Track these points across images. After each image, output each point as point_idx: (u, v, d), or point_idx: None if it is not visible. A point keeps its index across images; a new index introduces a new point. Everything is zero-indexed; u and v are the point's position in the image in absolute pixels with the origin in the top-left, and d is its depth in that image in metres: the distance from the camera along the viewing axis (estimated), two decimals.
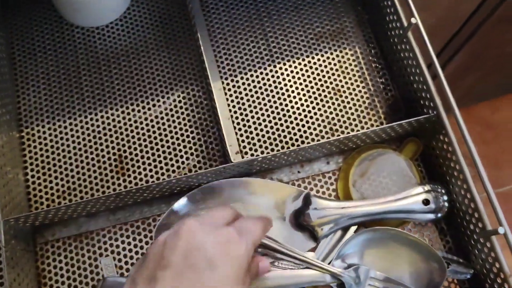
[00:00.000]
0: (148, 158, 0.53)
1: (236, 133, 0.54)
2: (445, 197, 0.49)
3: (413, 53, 0.50)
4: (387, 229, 0.48)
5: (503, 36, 0.93)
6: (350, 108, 0.55)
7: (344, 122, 0.55)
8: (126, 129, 0.54)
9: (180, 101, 0.56)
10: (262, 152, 0.53)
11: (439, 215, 0.48)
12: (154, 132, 0.54)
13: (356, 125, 0.55)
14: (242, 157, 0.53)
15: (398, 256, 0.47)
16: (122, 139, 0.54)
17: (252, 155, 0.53)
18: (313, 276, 0.46)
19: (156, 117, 0.55)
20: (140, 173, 0.52)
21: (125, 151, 0.53)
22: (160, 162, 0.53)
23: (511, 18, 0.87)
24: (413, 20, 0.48)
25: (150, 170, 0.53)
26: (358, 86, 0.56)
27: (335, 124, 0.55)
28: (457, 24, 0.87)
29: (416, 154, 0.53)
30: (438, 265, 0.46)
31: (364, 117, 0.55)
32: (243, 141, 0.54)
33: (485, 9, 0.85)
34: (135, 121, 0.55)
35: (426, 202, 0.48)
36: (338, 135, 0.54)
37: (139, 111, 0.55)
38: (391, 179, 0.51)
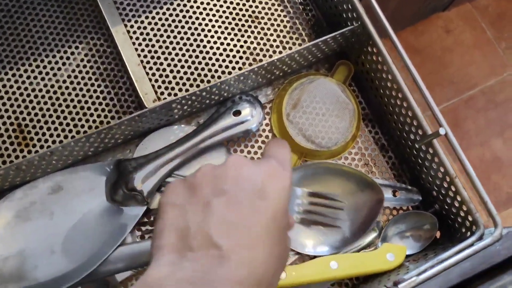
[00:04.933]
0: (53, 122, 0.46)
1: (150, 79, 0.48)
2: (259, 109, 0.46)
3: None
4: (320, 163, 0.46)
5: None
6: (272, 34, 0.51)
7: (267, 50, 0.50)
8: (22, 94, 0.47)
9: (80, 53, 0.48)
10: (181, 90, 0.48)
11: (255, 125, 0.46)
12: (55, 92, 0.47)
13: (280, 52, 0.50)
14: None
15: (334, 189, 0.45)
16: (19, 106, 0.46)
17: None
18: None
19: (55, 75, 0.48)
20: (46, 141, 0.46)
21: (24, 119, 0.46)
22: (67, 125, 0.46)
23: None
24: None
25: (58, 136, 0.46)
26: (276, 10, 0.52)
27: (258, 54, 0.50)
28: None
29: (348, 77, 0.50)
30: (375, 192, 0.44)
31: (287, 42, 0.51)
32: (159, 87, 0.48)
33: None
34: (31, 83, 0.47)
35: (236, 113, 0.46)
36: None
37: (33, 71, 0.47)
38: (326, 106, 0.48)
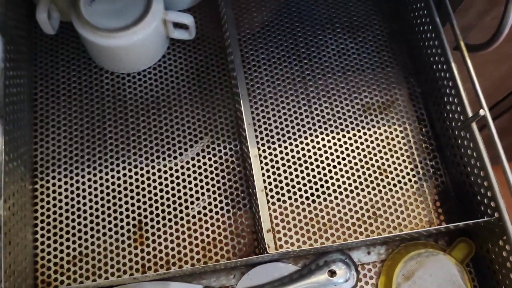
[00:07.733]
0: (171, 227, 0.48)
1: (269, 208, 0.49)
2: (355, 273, 0.46)
3: (474, 144, 0.45)
4: None
5: None
6: (397, 191, 0.50)
7: (389, 207, 0.50)
8: (150, 190, 0.49)
9: (210, 159, 0.51)
10: (296, 233, 0.48)
11: None
12: (180, 197, 0.49)
13: (402, 212, 0.50)
14: (274, 235, 0.48)
15: None
16: (144, 203, 0.49)
17: (285, 235, 0.48)
18: None
19: (184, 174, 0.50)
20: (160, 244, 0.47)
21: (146, 216, 0.48)
22: (183, 233, 0.48)
23: None
24: (481, 112, 0.43)
25: (172, 242, 0.48)
26: (406, 167, 0.51)
27: (379, 209, 0.50)
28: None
29: (468, 257, 0.48)
30: None
31: (411, 203, 0.50)
32: (276, 217, 0.49)
33: None
34: (160, 177, 0.50)
35: (332, 272, 0.46)
36: (382, 222, 0.49)
37: (165, 165, 0.50)
38: (439, 286, 0.46)
